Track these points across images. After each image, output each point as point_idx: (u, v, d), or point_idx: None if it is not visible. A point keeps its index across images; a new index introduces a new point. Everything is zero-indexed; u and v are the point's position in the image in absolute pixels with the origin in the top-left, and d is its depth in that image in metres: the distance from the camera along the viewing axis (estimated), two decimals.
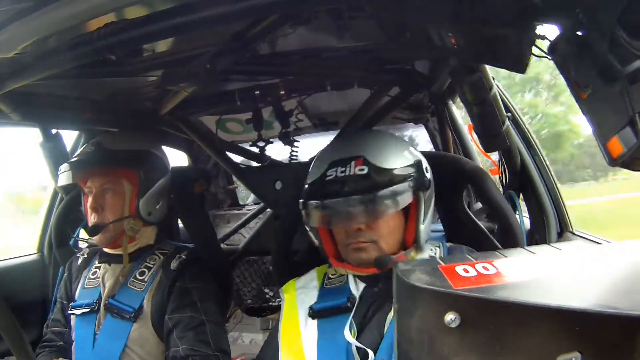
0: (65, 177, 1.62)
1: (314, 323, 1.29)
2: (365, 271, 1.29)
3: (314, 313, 1.29)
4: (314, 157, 1.44)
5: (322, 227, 1.33)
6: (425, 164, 1.33)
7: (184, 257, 1.66)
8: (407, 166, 1.27)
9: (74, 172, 1.62)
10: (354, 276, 1.34)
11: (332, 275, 1.38)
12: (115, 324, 1.57)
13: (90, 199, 1.63)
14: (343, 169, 1.24)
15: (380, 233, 1.25)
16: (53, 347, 1.68)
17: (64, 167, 1.63)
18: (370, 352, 1.17)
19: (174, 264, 1.64)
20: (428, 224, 1.32)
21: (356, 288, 1.32)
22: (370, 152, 1.25)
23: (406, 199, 1.24)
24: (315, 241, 1.38)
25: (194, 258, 1.70)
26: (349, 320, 1.24)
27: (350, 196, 1.19)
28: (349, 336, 1.21)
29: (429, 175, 1.32)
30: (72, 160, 1.67)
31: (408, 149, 1.34)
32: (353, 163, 1.23)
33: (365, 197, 1.18)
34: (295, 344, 1.28)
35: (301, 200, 1.31)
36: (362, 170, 1.22)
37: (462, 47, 1.13)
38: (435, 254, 1.36)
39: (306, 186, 1.34)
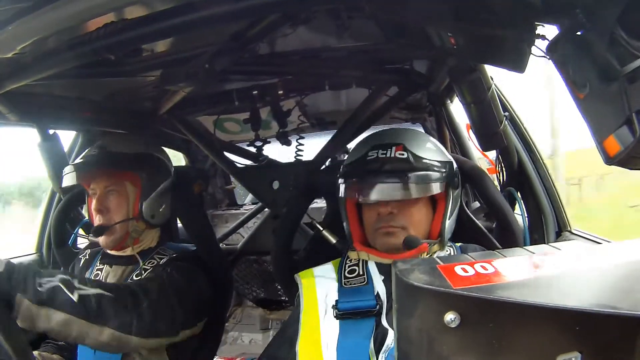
0: (69, 179, 1.63)
1: (335, 321, 1.29)
2: (391, 257, 1.32)
3: (340, 314, 1.29)
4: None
5: (359, 200, 1.39)
6: (455, 166, 1.42)
7: (174, 255, 1.68)
8: (441, 161, 1.36)
9: (78, 173, 1.63)
10: (375, 265, 1.36)
11: (350, 274, 1.37)
12: None
13: (94, 201, 1.64)
14: (384, 151, 1.33)
15: (410, 220, 1.32)
16: (55, 345, 1.68)
17: (69, 168, 1.64)
18: (388, 341, 1.21)
19: (162, 260, 1.66)
20: (452, 222, 1.40)
21: (380, 282, 1.33)
22: (410, 142, 1.35)
23: (438, 186, 1.32)
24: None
25: (182, 257, 1.70)
26: (383, 319, 1.26)
27: (390, 174, 1.29)
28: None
29: (458, 177, 1.41)
30: (77, 162, 1.68)
31: (442, 150, 1.42)
32: (394, 148, 1.33)
33: (404, 175, 1.28)
34: (313, 335, 1.28)
35: (340, 179, 1.39)
36: (402, 154, 1.31)
37: (461, 47, 1.13)
38: (450, 254, 1.39)
39: (344, 167, 1.42)
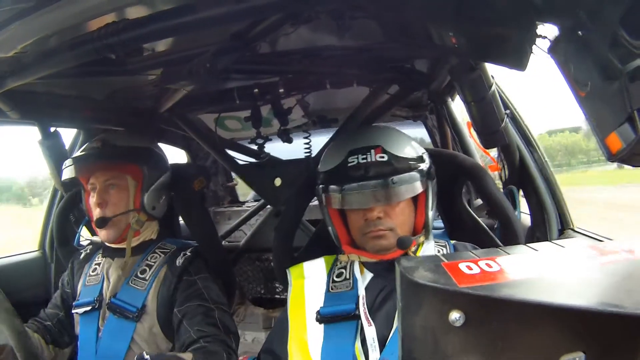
0: (70, 172, 1.64)
1: (320, 326, 1.32)
2: (383, 257, 1.33)
3: (322, 318, 1.32)
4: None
5: (347, 209, 1.38)
6: (427, 156, 1.41)
7: (189, 253, 1.69)
8: (417, 156, 1.36)
9: (79, 166, 1.64)
10: (363, 264, 1.39)
11: (338, 278, 1.40)
12: (118, 323, 1.58)
13: (94, 195, 1.65)
14: (364, 156, 1.31)
15: (397, 221, 1.32)
16: (39, 324, 1.70)
17: (69, 161, 1.65)
18: (369, 339, 1.24)
19: (179, 261, 1.66)
20: (434, 212, 1.40)
21: (362, 282, 1.36)
22: (387, 142, 1.34)
23: (421, 184, 1.33)
24: (329, 228, 1.42)
25: (198, 253, 1.72)
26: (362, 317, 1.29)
27: (374, 179, 1.28)
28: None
29: (433, 167, 1.40)
30: (78, 155, 1.68)
31: (415, 144, 1.41)
32: (373, 151, 1.31)
33: (390, 180, 1.27)
34: (301, 338, 1.32)
35: (321, 186, 1.37)
36: (383, 157, 1.30)
37: (462, 46, 1.13)
38: (444, 252, 1.40)
39: (322, 173, 1.40)
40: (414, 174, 1.31)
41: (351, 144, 1.36)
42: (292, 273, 1.46)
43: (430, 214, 1.37)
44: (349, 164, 1.32)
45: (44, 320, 1.72)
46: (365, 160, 1.30)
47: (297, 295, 1.41)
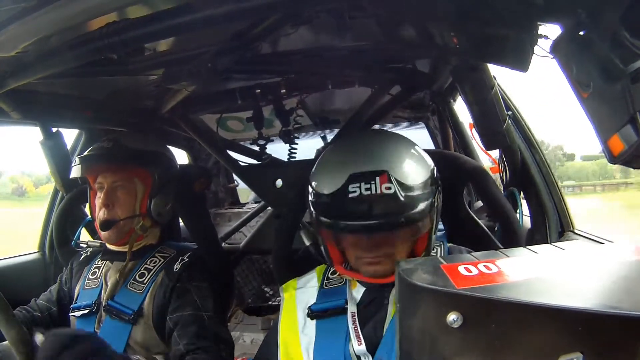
0: (78, 170, 1.63)
1: (312, 324, 1.30)
2: (377, 282, 1.25)
3: (313, 314, 1.30)
4: (318, 155, 1.44)
5: (347, 247, 1.27)
6: (435, 170, 1.29)
7: (186, 259, 1.67)
8: (427, 179, 1.22)
9: (88, 166, 1.64)
10: (357, 281, 1.34)
11: (332, 275, 1.39)
12: (114, 325, 1.57)
13: (101, 195, 1.64)
14: (367, 185, 1.15)
15: (395, 248, 1.22)
16: (27, 314, 1.67)
17: (78, 160, 1.65)
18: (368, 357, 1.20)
19: (176, 266, 1.65)
20: (436, 236, 1.31)
21: (354, 292, 1.32)
22: (393, 164, 1.19)
23: (430, 216, 1.20)
24: (305, 240, 1.44)
25: (196, 259, 1.70)
26: (353, 331, 1.24)
27: (379, 219, 1.13)
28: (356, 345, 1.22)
29: (439, 182, 1.28)
30: (89, 154, 1.67)
31: (421, 154, 1.29)
32: (378, 180, 1.15)
33: (396, 221, 1.14)
34: (293, 347, 1.29)
35: (322, 218, 1.21)
36: (389, 189, 1.14)
37: (463, 47, 1.13)
38: (436, 253, 1.37)
39: (320, 196, 1.24)
40: (424, 208, 1.17)
41: (352, 165, 1.19)
42: (285, 288, 1.43)
43: (433, 237, 1.27)
44: (350, 194, 1.15)
45: (33, 310, 1.70)
46: (369, 192, 1.14)
47: (288, 308, 1.38)
